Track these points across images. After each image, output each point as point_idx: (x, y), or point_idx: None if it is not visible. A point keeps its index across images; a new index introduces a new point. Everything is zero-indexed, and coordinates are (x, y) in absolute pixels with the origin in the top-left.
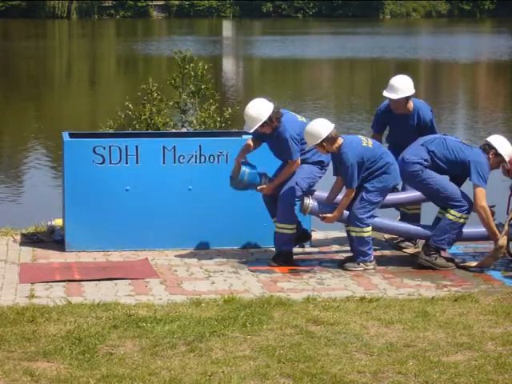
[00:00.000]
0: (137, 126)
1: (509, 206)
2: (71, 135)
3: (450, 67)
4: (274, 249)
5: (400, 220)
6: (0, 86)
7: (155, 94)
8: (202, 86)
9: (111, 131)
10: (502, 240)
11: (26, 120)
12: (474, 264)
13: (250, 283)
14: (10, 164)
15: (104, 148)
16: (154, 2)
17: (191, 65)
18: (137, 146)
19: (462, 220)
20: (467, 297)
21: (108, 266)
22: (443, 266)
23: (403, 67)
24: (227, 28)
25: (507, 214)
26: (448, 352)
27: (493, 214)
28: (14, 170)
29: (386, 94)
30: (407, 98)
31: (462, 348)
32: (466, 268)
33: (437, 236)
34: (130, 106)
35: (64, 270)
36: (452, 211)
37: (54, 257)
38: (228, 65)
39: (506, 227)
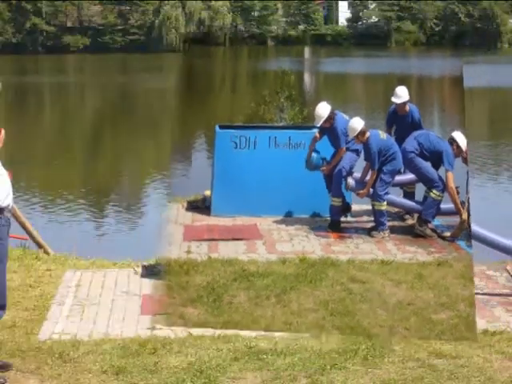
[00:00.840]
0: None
1: (467, 187)
2: (220, 127)
3: (429, 82)
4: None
5: (403, 197)
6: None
7: (266, 98)
8: (293, 92)
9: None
10: (464, 215)
11: (199, 117)
12: (448, 234)
13: (314, 246)
14: (182, 148)
15: (237, 136)
16: (270, 34)
17: (286, 77)
18: (256, 136)
19: (439, 198)
20: (445, 263)
21: (232, 229)
22: (430, 235)
23: (401, 81)
24: (307, 52)
25: (466, 193)
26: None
27: (458, 193)
28: (185, 152)
29: (393, 99)
30: (405, 103)
31: (443, 308)
32: (443, 238)
33: (425, 211)
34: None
35: (207, 232)
36: (434, 190)
37: (205, 220)
38: (307, 78)
39: (466, 204)
